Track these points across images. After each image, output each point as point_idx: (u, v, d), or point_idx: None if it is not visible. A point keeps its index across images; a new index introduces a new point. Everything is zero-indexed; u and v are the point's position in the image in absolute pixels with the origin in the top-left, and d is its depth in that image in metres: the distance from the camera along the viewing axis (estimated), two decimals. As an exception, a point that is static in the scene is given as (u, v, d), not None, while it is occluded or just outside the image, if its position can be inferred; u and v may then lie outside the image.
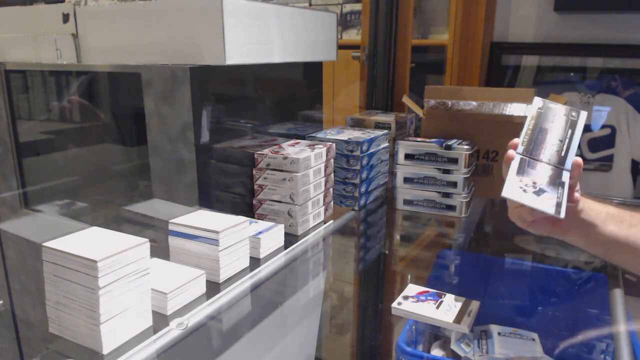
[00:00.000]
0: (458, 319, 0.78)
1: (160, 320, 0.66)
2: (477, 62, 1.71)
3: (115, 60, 0.92)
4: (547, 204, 0.60)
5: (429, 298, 0.84)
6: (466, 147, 1.07)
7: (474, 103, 1.14)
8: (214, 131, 0.91)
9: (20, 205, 1.02)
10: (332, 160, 1.05)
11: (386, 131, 1.22)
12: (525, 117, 0.69)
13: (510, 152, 0.65)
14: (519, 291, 1.04)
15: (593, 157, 1.67)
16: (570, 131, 0.68)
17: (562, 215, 0.59)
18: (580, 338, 0.87)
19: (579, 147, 1.66)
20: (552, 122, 0.69)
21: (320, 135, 1.13)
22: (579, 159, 0.65)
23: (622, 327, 0.75)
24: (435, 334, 0.87)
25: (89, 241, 0.62)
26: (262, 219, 0.96)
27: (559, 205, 0.60)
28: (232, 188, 0.98)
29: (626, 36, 1.60)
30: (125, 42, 0.90)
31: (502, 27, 1.78)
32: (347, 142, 1.08)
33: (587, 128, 1.67)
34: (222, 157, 0.95)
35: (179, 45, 0.85)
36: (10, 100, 1.02)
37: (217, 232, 0.73)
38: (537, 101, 0.71)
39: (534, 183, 0.62)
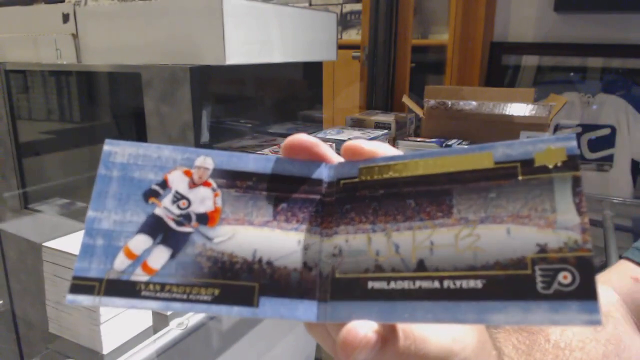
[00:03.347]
0: None
1: (160, 320, 0.65)
2: (477, 62, 1.71)
3: (115, 60, 0.92)
4: None
5: None
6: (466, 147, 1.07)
7: (474, 103, 1.14)
8: (214, 131, 0.91)
9: (20, 205, 1.02)
10: (332, 160, 1.05)
11: (386, 131, 1.22)
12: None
13: None
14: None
15: (593, 157, 1.67)
16: None
17: None
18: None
19: (579, 146, 1.66)
20: None
21: (320, 135, 1.13)
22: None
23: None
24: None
25: (89, 241, 0.62)
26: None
27: None
28: (232, 188, 0.97)
29: (626, 36, 1.60)
30: (125, 42, 0.90)
31: (502, 27, 1.78)
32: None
33: (587, 128, 1.67)
34: (222, 157, 0.94)
35: (179, 45, 0.85)
36: (10, 100, 1.02)
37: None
38: None
39: None
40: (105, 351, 0.59)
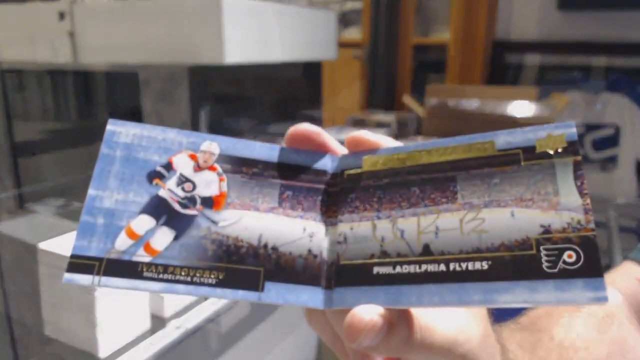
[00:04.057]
0: None
1: (158, 322, 0.65)
2: (479, 60, 1.70)
3: (112, 59, 0.91)
4: None
5: None
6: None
7: (476, 102, 1.13)
8: (213, 131, 0.90)
9: (16, 205, 1.02)
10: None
11: (387, 130, 1.21)
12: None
13: None
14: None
15: (597, 156, 1.66)
16: None
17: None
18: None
19: (583, 146, 1.65)
20: None
21: (320, 134, 1.12)
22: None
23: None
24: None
25: (85, 243, 0.61)
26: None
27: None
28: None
29: (630, 35, 1.59)
30: (122, 41, 0.89)
31: (504, 26, 1.77)
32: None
33: (591, 127, 1.66)
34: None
35: (177, 44, 0.84)
36: (6, 99, 1.01)
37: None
38: None
39: None
40: (101, 354, 0.58)
